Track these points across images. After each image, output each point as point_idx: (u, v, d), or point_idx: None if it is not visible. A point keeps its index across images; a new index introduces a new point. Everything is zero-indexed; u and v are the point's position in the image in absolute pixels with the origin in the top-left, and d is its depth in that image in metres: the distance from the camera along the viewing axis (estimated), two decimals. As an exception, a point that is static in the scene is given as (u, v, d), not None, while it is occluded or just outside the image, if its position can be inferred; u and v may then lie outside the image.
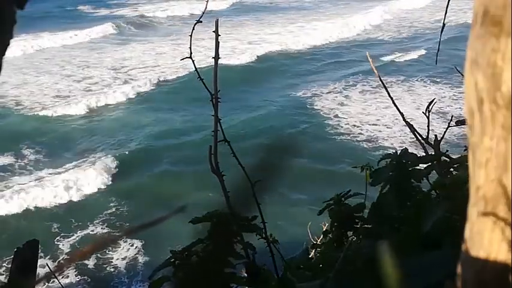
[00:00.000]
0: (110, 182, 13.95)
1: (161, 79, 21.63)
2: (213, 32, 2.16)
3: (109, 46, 27.20)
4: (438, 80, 19.96)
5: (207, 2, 2.45)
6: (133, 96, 20.10)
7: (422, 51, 23.55)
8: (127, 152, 15.35)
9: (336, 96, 19.21)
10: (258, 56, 24.21)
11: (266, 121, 17.18)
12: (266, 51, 24.95)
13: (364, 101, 18.60)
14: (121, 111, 18.91)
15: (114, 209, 12.78)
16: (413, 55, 23.48)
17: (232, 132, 15.55)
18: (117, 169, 14.43)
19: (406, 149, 2.17)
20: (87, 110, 18.87)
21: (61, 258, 11.09)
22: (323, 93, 19.56)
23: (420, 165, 2.13)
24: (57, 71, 23.33)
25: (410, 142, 13.83)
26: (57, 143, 16.34)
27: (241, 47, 25.97)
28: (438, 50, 2.60)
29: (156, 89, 20.81)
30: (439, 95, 18.36)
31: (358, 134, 16.15)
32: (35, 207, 12.93)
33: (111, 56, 25.28)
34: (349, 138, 15.93)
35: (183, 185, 13.00)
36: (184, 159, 14.43)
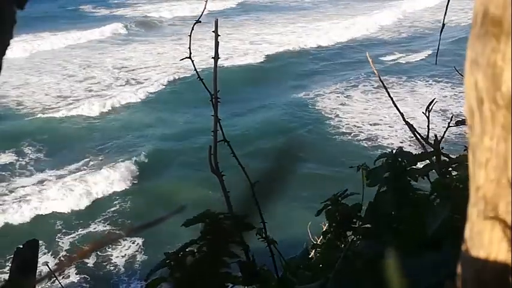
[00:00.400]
0: (121, 185, 13.82)
1: (170, 79, 21.48)
2: (213, 31, 2.16)
3: (116, 46, 27.10)
4: (444, 80, 19.89)
5: (206, 1, 2.45)
6: (144, 97, 19.99)
7: (429, 51, 23.45)
8: (138, 154, 15.21)
9: (338, 96, 19.22)
10: (267, 56, 24.12)
11: (275, 120, 17.17)
12: (274, 51, 24.83)
13: (367, 101, 18.61)
14: (131, 112, 18.80)
15: (125, 210, 12.71)
16: (421, 55, 23.37)
17: (240, 132, 15.59)
18: (127, 172, 14.30)
19: (401, 147, 2.18)
20: (99, 111, 18.75)
21: (62, 256, 11.10)
22: (326, 93, 19.57)
23: (419, 164, 2.13)
24: (69, 72, 23.21)
25: (411, 141, 13.83)
26: (66, 145, 16.20)
27: (248, 47, 25.92)
28: (438, 50, 2.61)
29: (166, 89, 20.66)
30: (445, 95, 18.37)
31: (361, 133, 16.17)
32: (41, 212, 12.84)
33: (117, 56, 25.19)
34: (352, 137, 15.94)
35: (195, 187, 12.83)
36: (193, 161, 14.29)
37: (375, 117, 17.11)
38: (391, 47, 25.48)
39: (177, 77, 21.39)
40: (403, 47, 25.44)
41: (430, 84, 19.98)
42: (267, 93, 19.97)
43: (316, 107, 18.35)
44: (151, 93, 20.39)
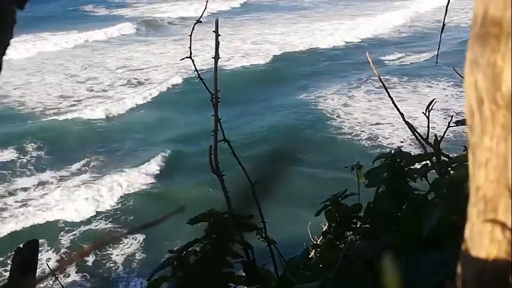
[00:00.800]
0: (132, 187, 13.61)
1: (180, 80, 21.26)
2: (213, 31, 2.16)
3: (124, 46, 26.88)
4: (448, 80, 19.83)
5: (207, 2, 2.45)
6: (154, 98, 19.76)
7: (434, 52, 23.34)
8: (151, 157, 14.97)
9: (341, 97, 19.24)
10: (273, 56, 24.02)
11: (282, 121, 17.16)
12: (280, 52, 24.68)
13: (369, 101, 18.62)
14: (142, 113, 18.57)
15: (137, 212, 12.59)
16: (427, 56, 23.26)
17: (246, 134, 15.54)
18: (140, 175, 14.08)
19: (399, 148, 2.18)
20: (116, 113, 18.50)
21: (63, 254, 11.09)
22: (331, 93, 19.57)
23: (417, 164, 2.13)
24: (72, 72, 23.05)
25: (413, 141, 13.82)
26: (78, 147, 16.07)
27: (255, 47, 25.84)
28: (438, 50, 2.62)
29: (175, 90, 20.48)
30: (447, 95, 18.38)
31: (363, 132, 16.18)
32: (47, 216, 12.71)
33: (125, 56, 25.05)
34: (354, 137, 15.95)
35: (207, 189, 12.57)
36: (203, 163, 14.00)
37: (377, 117, 17.11)
38: (395, 48, 25.40)
39: (186, 77, 21.18)
40: (409, 47, 25.34)
41: (433, 84, 19.97)
42: (274, 94, 19.84)
43: (319, 107, 18.35)
44: (161, 93, 20.17)
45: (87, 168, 14.81)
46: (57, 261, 10.79)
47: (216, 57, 2.19)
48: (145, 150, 15.66)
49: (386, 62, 23.05)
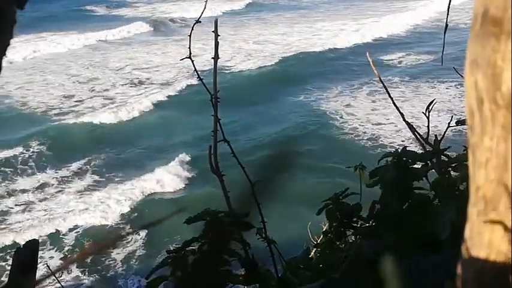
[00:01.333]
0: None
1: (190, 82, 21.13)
2: (212, 31, 2.16)
3: (130, 46, 26.89)
4: (451, 79, 19.83)
5: (206, 2, 2.45)
6: (169, 98, 19.71)
7: (439, 54, 23.30)
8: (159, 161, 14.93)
9: (344, 98, 19.26)
10: (282, 57, 23.99)
11: (289, 120, 17.18)
12: (288, 53, 24.62)
13: (373, 101, 18.65)
14: (157, 114, 18.52)
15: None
16: (431, 57, 23.21)
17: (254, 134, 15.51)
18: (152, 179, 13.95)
19: (405, 147, 2.17)
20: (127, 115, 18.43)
21: (64, 252, 11.12)
22: (330, 96, 19.60)
23: (418, 164, 2.13)
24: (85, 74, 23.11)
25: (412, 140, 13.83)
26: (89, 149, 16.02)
27: (270, 47, 25.87)
28: (443, 50, 2.61)
29: (186, 90, 20.45)
30: (454, 95, 18.43)
31: (365, 133, 16.22)
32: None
33: (136, 56, 25.02)
34: (355, 137, 15.98)
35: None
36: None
37: (381, 117, 17.14)
38: (398, 48, 25.33)
39: (195, 77, 20.91)
40: (411, 48, 25.28)
41: (436, 85, 19.99)
42: (281, 93, 19.81)
43: (322, 108, 18.36)
44: (176, 93, 20.10)
45: (100, 168, 14.73)
46: (61, 258, 10.85)
47: (216, 57, 2.19)
48: (155, 154, 15.57)
49: (389, 62, 23.05)
